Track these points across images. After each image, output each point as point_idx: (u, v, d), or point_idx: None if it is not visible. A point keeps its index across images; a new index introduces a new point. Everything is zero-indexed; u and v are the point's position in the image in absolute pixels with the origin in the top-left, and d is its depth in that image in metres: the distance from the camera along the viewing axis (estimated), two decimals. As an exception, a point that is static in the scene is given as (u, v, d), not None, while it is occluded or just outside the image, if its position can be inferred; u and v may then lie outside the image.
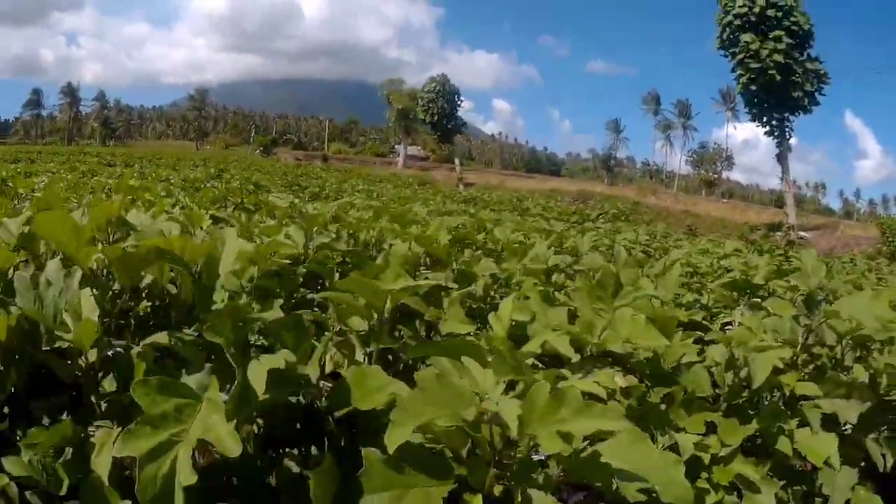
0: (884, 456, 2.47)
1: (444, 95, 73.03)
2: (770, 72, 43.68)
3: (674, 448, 1.90)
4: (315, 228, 3.14)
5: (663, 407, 2.04)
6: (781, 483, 2.23)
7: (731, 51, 46.38)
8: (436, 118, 72.49)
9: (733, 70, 46.32)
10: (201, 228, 2.90)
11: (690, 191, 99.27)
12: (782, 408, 2.28)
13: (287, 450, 1.81)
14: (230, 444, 1.34)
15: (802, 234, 40.27)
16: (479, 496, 1.45)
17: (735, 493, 2.03)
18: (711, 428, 2.12)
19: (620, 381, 2.15)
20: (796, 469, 2.33)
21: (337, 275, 2.81)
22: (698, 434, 1.98)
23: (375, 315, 1.87)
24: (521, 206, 34.58)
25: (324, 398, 1.70)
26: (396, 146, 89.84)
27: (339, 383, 1.66)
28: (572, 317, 2.29)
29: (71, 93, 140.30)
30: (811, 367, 2.78)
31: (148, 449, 1.29)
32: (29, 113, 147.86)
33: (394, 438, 1.35)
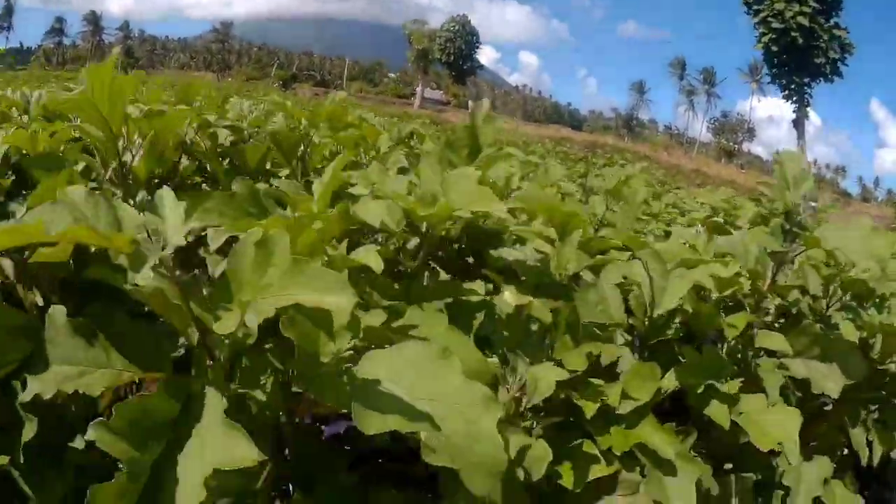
0: (870, 444, 1.82)
1: (463, 36, 72.51)
2: (793, 33, 42.86)
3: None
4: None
5: (536, 327, 1.41)
6: (726, 467, 1.63)
7: (755, 8, 45.53)
8: (452, 58, 72.02)
9: (755, 27, 45.47)
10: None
11: (709, 158, 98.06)
12: (723, 358, 1.59)
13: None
14: None
15: (812, 203, 39.65)
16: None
17: (641, 468, 1.38)
18: (616, 376, 1.49)
19: (511, 297, 1.56)
20: (747, 448, 1.68)
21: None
22: (579, 374, 1.35)
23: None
24: (526, 150, 33.93)
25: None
26: (417, 89, 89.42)
27: None
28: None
29: (94, 20, 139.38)
30: (784, 318, 2.13)
31: None
32: (51, 40, 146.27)
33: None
